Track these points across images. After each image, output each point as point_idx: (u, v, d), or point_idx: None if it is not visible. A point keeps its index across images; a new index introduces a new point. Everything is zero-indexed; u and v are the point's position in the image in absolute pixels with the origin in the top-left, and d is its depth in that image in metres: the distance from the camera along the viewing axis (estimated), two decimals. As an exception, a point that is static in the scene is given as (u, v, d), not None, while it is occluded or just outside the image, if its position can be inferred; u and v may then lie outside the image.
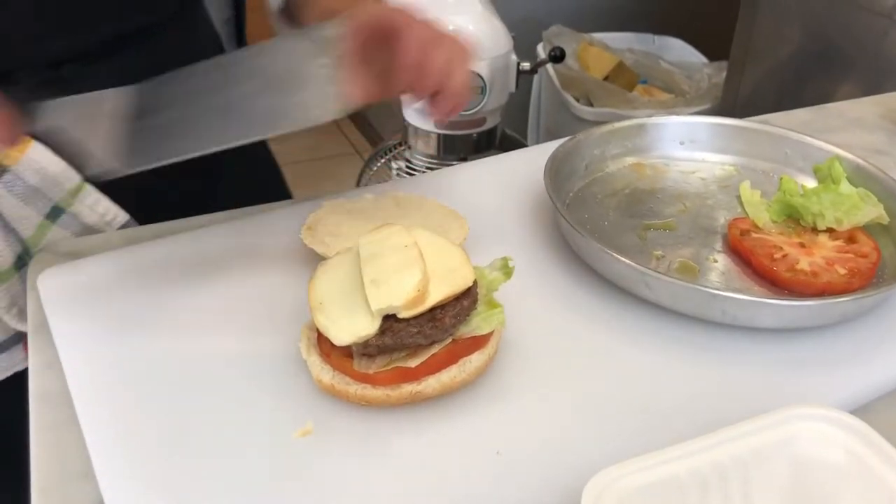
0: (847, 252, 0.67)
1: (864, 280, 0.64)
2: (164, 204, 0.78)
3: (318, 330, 0.54)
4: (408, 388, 0.53)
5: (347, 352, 0.53)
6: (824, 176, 0.75)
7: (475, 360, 0.55)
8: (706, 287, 0.60)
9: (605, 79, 1.97)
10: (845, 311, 0.61)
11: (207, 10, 0.93)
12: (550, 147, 0.75)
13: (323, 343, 0.55)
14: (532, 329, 0.61)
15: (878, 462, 0.47)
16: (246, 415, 0.54)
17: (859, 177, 0.74)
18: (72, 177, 0.73)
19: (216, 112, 0.57)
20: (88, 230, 0.76)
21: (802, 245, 0.69)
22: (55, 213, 0.75)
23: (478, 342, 0.55)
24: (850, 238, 0.69)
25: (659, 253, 0.69)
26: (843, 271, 0.65)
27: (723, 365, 0.59)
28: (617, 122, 0.82)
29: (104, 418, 0.53)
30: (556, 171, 0.72)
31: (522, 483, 0.50)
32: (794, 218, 0.72)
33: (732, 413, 0.51)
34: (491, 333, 0.56)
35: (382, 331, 0.51)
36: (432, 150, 1.43)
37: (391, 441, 0.52)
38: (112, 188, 0.73)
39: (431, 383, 0.53)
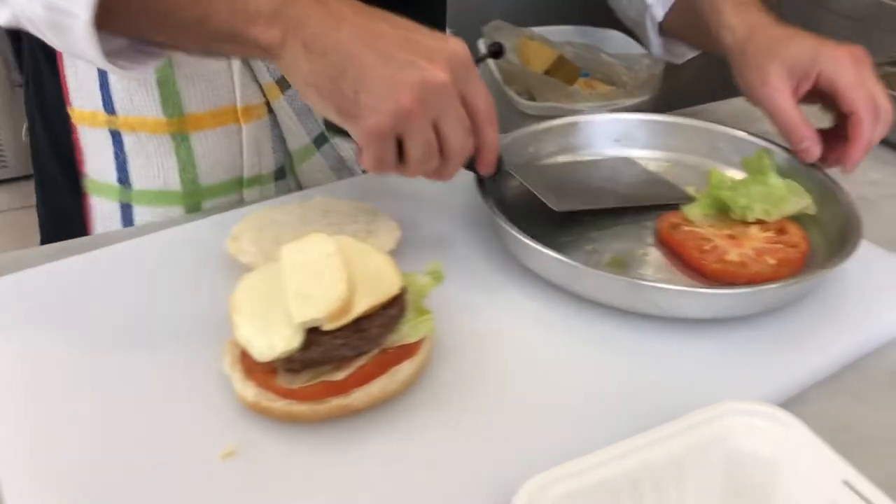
0: (777, 243, 0.67)
1: (792, 270, 0.64)
2: None
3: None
4: (335, 402, 0.51)
5: (271, 367, 0.51)
6: (754, 169, 0.75)
7: (405, 369, 0.53)
8: (633, 278, 0.60)
9: (546, 72, 1.97)
10: (772, 299, 0.62)
11: None
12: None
13: (246, 359, 0.53)
14: (465, 333, 0.60)
15: (806, 455, 0.47)
16: (168, 437, 0.52)
17: (788, 168, 0.75)
18: None
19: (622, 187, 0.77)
20: (339, 166, 0.87)
21: (733, 237, 0.69)
22: (320, 140, 0.85)
23: (407, 350, 0.54)
24: (780, 229, 0.69)
25: (590, 248, 0.69)
26: (772, 261, 0.65)
27: (657, 360, 0.59)
28: (551, 119, 0.81)
29: (17, 443, 0.51)
30: (490, 171, 0.71)
31: (455, 493, 0.49)
32: (724, 211, 0.72)
33: (668, 409, 0.50)
34: (421, 341, 0.55)
35: (307, 344, 0.50)
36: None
37: (319, 458, 0.50)
38: None
39: (360, 396, 0.51)
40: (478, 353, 0.59)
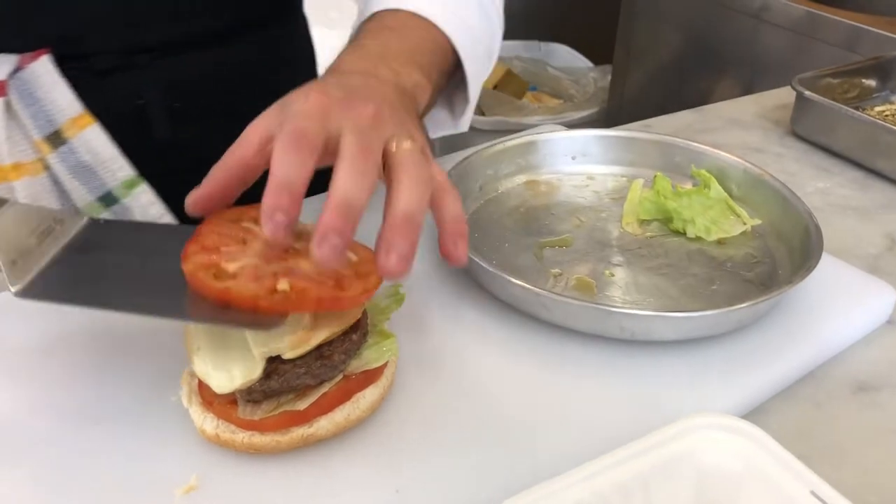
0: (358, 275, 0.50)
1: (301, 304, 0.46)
2: None
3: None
4: (298, 432, 0.50)
5: (231, 398, 0.50)
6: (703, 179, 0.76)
7: (369, 395, 0.52)
8: (602, 304, 0.59)
9: (495, 87, 1.98)
10: (742, 318, 0.61)
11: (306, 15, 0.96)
12: (443, 166, 0.73)
13: (205, 390, 0.51)
14: (429, 357, 0.59)
15: (773, 467, 0.47)
16: (124, 473, 0.50)
17: (745, 180, 0.76)
18: (124, 167, 0.76)
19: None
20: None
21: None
22: (109, 199, 0.78)
23: (370, 376, 0.53)
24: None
25: (556, 271, 0.68)
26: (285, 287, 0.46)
27: (627, 380, 0.59)
28: (506, 140, 0.81)
29: (-36, 493, 0.48)
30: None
31: (424, 521, 0.48)
32: (665, 219, 0.72)
33: (639, 429, 0.50)
34: (384, 365, 0.54)
35: (267, 374, 0.48)
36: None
37: (284, 489, 0.49)
38: (164, 188, 0.77)
39: (324, 424, 0.50)
40: (442, 375, 0.58)
